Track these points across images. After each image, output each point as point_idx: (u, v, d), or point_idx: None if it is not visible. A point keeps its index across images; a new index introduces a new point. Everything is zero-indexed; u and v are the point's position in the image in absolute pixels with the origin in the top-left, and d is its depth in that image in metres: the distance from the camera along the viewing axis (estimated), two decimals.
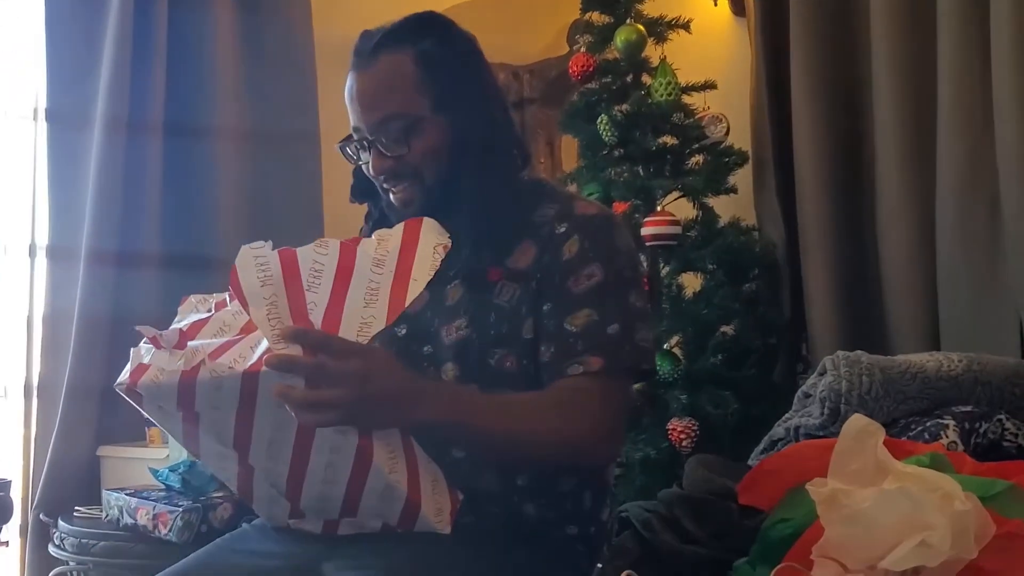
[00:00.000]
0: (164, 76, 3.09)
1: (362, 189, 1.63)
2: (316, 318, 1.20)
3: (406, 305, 1.22)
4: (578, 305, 1.44)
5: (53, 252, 3.01)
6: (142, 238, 3.05)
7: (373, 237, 1.29)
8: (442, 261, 1.55)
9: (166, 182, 3.11)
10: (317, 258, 1.24)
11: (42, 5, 3.03)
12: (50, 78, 3.03)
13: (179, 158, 3.13)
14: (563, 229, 1.48)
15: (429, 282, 1.55)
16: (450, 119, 1.48)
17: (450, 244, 1.27)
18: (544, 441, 1.37)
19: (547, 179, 1.70)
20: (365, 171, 1.55)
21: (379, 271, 1.23)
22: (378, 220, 1.62)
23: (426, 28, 1.50)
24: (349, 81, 1.50)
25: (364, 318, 1.21)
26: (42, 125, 3.04)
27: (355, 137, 1.53)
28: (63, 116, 3.03)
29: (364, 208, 1.67)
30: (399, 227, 1.30)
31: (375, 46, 1.47)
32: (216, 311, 1.36)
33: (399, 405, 1.22)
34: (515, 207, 1.52)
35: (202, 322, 1.34)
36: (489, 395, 1.37)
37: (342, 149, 1.56)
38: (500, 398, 1.37)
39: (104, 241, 2.97)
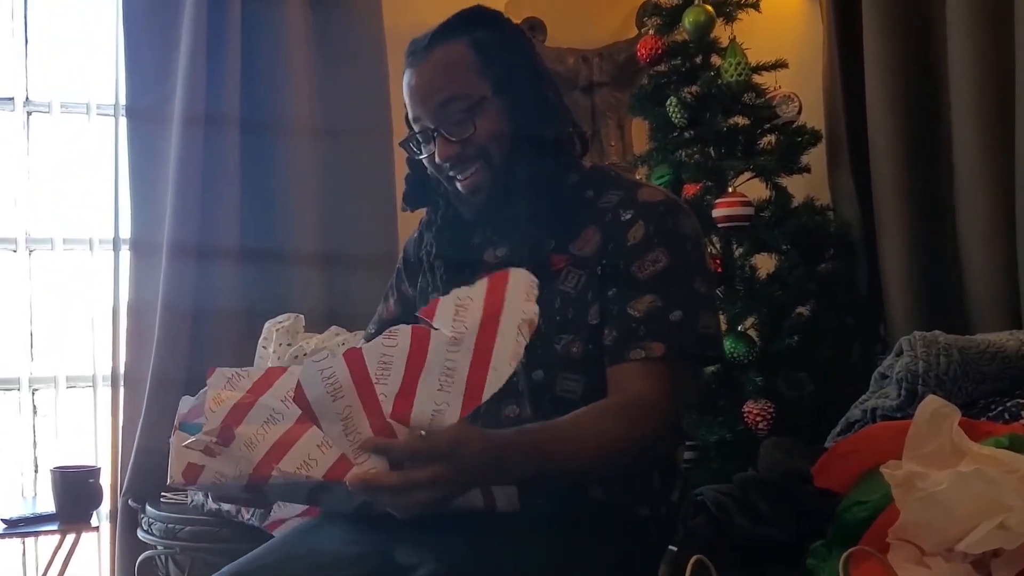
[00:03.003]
0: (239, 73, 3.15)
1: (416, 195, 1.65)
2: (386, 409, 1.13)
3: (483, 400, 1.13)
4: (642, 291, 1.45)
5: (136, 245, 3.09)
6: (221, 232, 3.12)
7: (451, 301, 1.18)
8: (506, 249, 1.56)
9: (243, 177, 3.17)
10: (385, 350, 1.14)
11: (119, 3, 3.11)
12: (129, 76, 3.11)
13: (255, 153, 3.19)
14: (628, 216, 1.49)
15: (496, 269, 1.57)
16: (511, 102, 1.50)
17: (537, 319, 1.17)
18: (616, 451, 1.37)
19: (610, 166, 1.70)
20: (427, 164, 1.56)
21: (455, 350, 1.13)
22: (440, 227, 1.63)
23: (478, 20, 1.53)
24: (406, 77, 1.52)
25: (437, 403, 1.13)
26: (122, 121, 3.12)
27: (416, 130, 1.54)
28: (142, 113, 3.11)
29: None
30: (481, 285, 1.18)
31: (429, 41, 1.50)
32: (256, 391, 1.27)
33: (488, 476, 1.21)
34: (578, 192, 1.53)
35: (245, 406, 1.27)
36: (560, 427, 1.33)
37: (405, 146, 1.58)
38: (569, 425, 1.34)
39: (185, 235, 3.05)
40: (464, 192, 1.54)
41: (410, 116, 1.55)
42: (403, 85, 1.53)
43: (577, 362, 1.49)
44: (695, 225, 1.53)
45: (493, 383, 1.13)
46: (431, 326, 1.15)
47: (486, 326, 1.15)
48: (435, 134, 1.51)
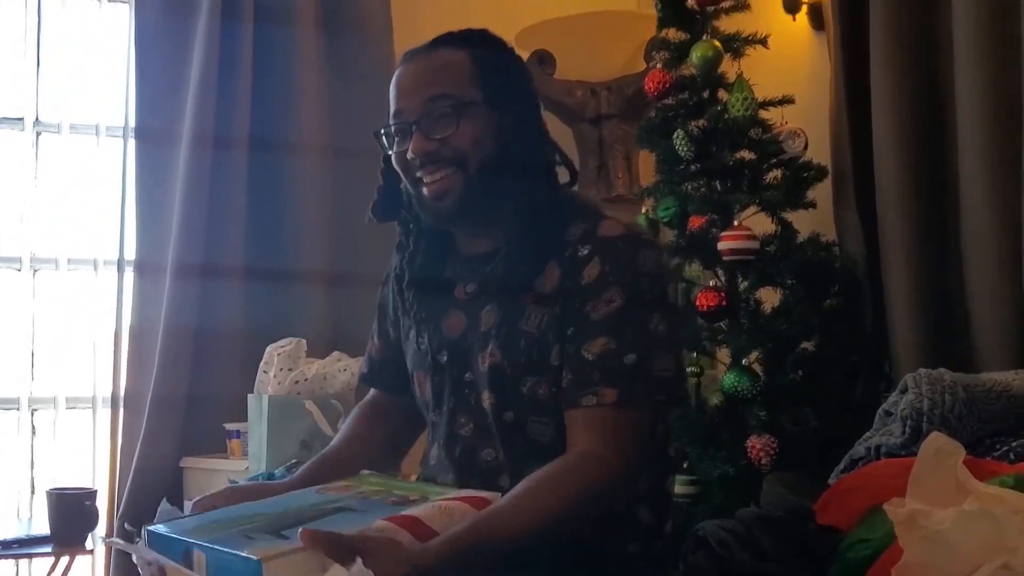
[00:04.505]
0: (249, 93, 3.16)
1: (386, 208, 1.62)
2: None
3: None
4: (596, 332, 1.42)
5: (141, 267, 3.10)
6: (227, 252, 3.12)
7: None
8: (475, 285, 1.52)
9: (250, 197, 3.18)
10: None
11: (131, 26, 3.13)
12: (139, 98, 3.12)
13: (263, 173, 3.20)
14: (585, 252, 1.45)
15: (467, 307, 1.54)
16: (499, 116, 1.48)
17: None
18: (561, 518, 1.34)
19: (581, 195, 1.63)
20: (396, 164, 1.52)
21: None
22: (412, 253, 1.61)
23: (482, 39, 1.53)
24: (398, 72, 1.51)
25: None
26: (131, 143, 3.13)
27: (393, 124, 1.51)
28: (151, 134, 3.13)
29: None
30: None
31: (430, 44, 1.50)
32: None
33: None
34: (547, 224, 1.49)
35: None
36: (497, 513, 1.31)
37: (377, 137, 1.54)
38: (507, 507, 1.32)
39: (190, 255, 3.05)
40: (429, 197, 1.49)
41: (391, 110, 1.51)
42: (392, 79, 1.51)
43: (545, 404, 1.46)
44: (657, 260, 1.47)
45: None
46: None
47: None
48: (413, 128, 1.47)
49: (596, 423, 1.39)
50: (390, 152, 1.54)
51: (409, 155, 1.48)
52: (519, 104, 1.51)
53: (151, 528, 1.31)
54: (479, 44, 1.52)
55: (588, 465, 1.37)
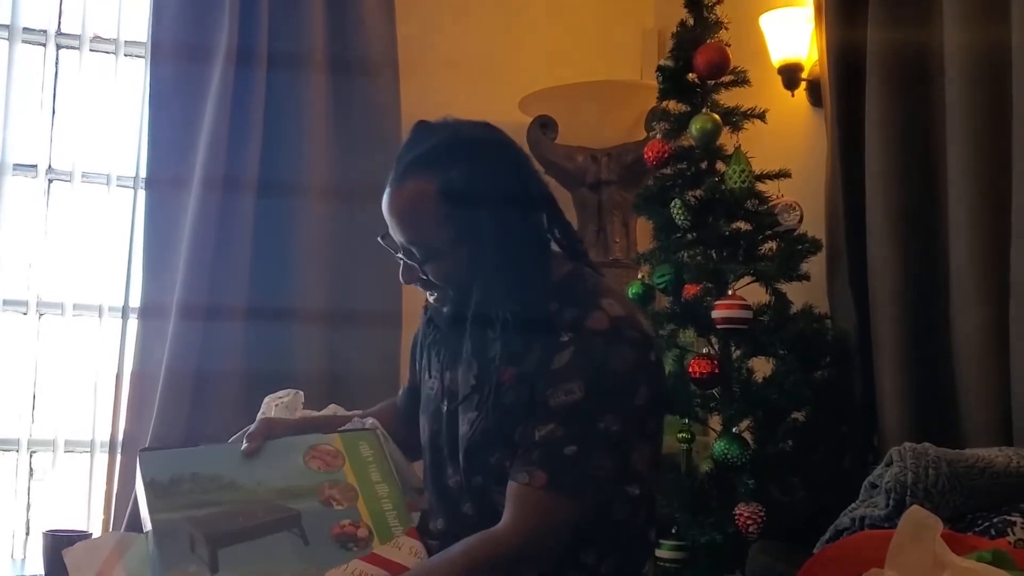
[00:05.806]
0: (260, 139, 3.21)
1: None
2: None
3: None
4: (549, 418, 1.46)
5: (145, 312, 3.13)
6: (231, 297, 3.15)
7: None
8: (471, 345, 1.61)
9: (256, 243, 3.22)
10: None
11: (146, 80, 3.20)
12: (152, 148, 3.17)
13: (270, 220, 3.24)
14: (566, 338, 1.48)
15: (465, 365, 1.61)
16: (469, 249, 1.51)
17: None
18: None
19: (588, 274, 1.63)
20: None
21: None
22: (434, 310, 1.70)
23: (454, 155, 1.52)
24: (385, 195, 1.56)
25: None
26: (141, 193, 3.18)
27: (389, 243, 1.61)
28: (162, 185, 3.17)
29: None
30: None
31: (404, 169, 1.52)
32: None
33: None
34: (541, 307, 1.53)
35: None
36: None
37: (382, 240, 1.62)
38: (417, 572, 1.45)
39: (195, 298, 3.08)
40: (432, 302, 1.64)
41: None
42: (383, 197, 1.57)
43: (507, 477, 1.50)
44: (637, 360, 1.49)
45: None
46: None
47: None
48: (401, 256, 1.58)
49: (521, 501, 1.45)
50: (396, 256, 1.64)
51: (401, 280, 1.61)
52: (493, 224, 1.52)
53: (145, 450, 1.65)
54: (451, 163, 1.51)
55: (488, 546, 1.44)
